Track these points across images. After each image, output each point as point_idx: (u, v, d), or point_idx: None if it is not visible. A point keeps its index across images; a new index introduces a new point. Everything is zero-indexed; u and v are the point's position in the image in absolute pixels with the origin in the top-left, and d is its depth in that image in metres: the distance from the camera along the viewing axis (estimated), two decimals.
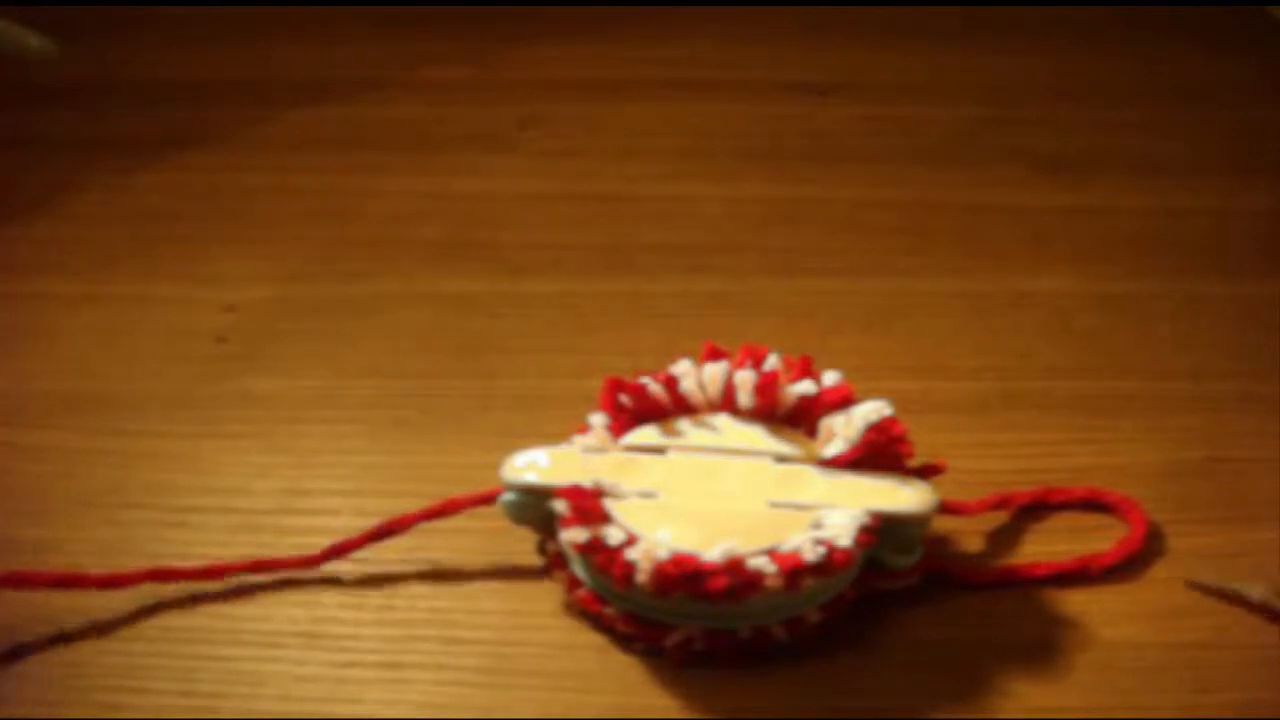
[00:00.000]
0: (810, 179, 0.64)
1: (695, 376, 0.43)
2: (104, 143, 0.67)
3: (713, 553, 0.38)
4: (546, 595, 0.42)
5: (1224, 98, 0.70)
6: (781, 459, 0.42)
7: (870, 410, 0.42)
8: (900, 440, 0.42)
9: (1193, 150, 0.66)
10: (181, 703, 0.39)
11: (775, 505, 0.40)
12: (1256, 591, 0.40)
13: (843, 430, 0.42)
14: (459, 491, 0.44)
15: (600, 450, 0.42)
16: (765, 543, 0.39)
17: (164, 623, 0.42)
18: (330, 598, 0.42)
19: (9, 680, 0.40)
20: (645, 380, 0.43)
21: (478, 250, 0.59)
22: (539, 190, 0.63)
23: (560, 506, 0.40)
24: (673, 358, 0.44)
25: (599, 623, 0.41)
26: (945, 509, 0.42)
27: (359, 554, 0.43)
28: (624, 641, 0.41)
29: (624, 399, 0.43)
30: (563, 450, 0.42)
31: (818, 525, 0.40)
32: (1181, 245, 0.59)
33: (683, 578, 0.38)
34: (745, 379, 0.43)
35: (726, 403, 0.43)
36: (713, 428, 0.43)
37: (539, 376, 0.51)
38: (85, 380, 0.51)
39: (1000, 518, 0.45)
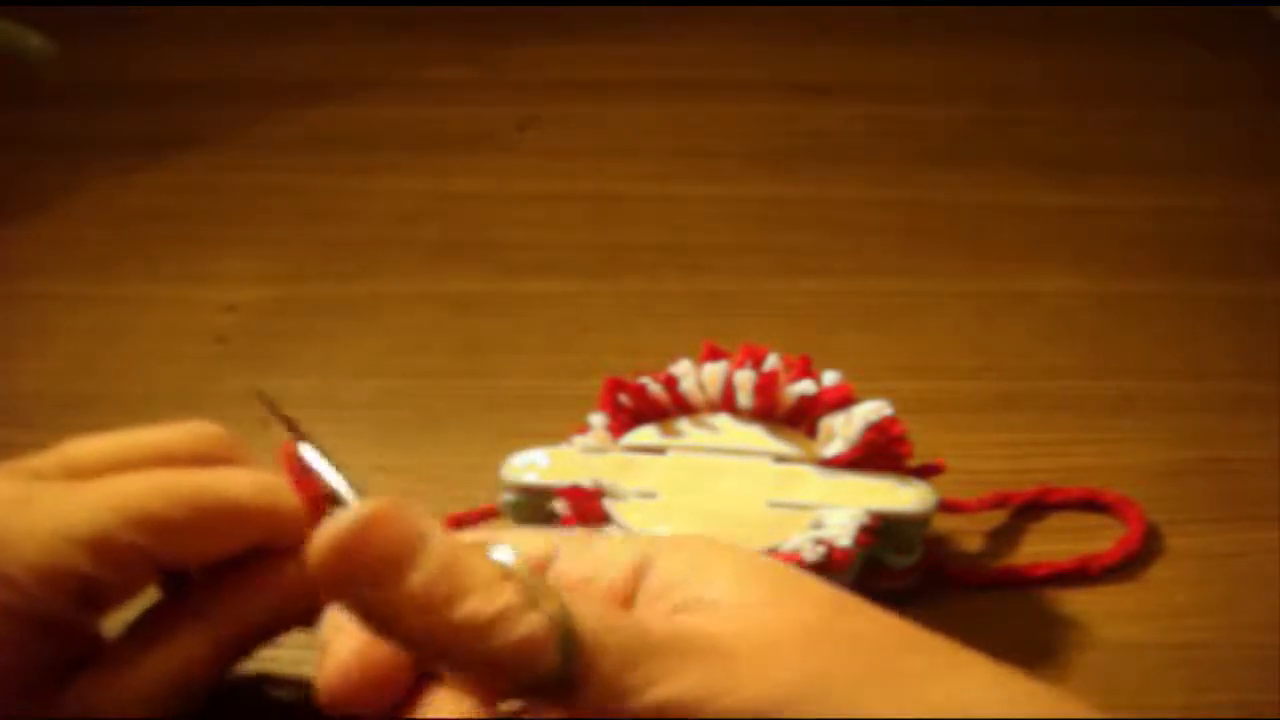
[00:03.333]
0: (810, 179, 0.64)
1: (695, 376, 0.43)
2: (104, 143, 0.67)
3: None
4: None
5: (1224, 98, 0.70)
6: (781, 459, 0.42)
7: (870, 410, 0.42)
8: (900, 440, 0.41)
9: (1193, 150, 0.66)
10: None
11: (775, 505, 0.40)
12: None
13: (842, 430, 0.42)
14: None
15: (600, 450, 0.42)
16: (765, 543, 0.39)
17: None
18: None
19: None
20: (645, 380, 0.43)
21: (478, 250, 0.59)
22: (538, 190, 0.63)
23: (560, 506, 0.40)
24: (673, 358, 0.44)
25: None
26: (945, 507, 0.42)
27: None
28: None
29: (624, 399, 0.43)
30: (563, 450, 0.42)
31: (818, 525, 0.39)
32: (1181, 245, 0.59)
33: None
34: (745, 379, 0.43)
35: (726, 403, 0.43)
36: (712, 428, 0.43)
37: (539, 376, 0.51)
38: (85, 380, 0.51)
39: (999, 517, 0.45)
